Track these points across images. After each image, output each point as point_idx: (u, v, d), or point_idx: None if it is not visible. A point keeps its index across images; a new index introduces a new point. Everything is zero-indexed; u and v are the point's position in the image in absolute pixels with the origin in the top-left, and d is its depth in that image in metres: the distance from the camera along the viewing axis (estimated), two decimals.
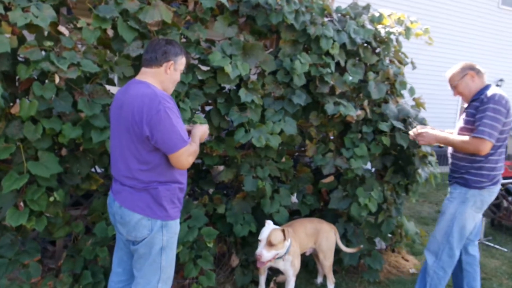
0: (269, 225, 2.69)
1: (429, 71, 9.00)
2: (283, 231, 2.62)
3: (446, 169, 8.20)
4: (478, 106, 2.59)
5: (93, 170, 2.87)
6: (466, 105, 2.77)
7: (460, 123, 2.73)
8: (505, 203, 4.57)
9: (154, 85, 1.94)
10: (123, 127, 1.91)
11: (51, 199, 2.40)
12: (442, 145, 2.81)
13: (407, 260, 3.84)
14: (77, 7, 2.70)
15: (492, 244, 4.40)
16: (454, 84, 2.77)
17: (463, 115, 2.72)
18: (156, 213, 1.95)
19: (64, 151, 2.61)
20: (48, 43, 2.30)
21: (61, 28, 2.39)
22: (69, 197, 2.66)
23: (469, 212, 2.63)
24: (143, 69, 2.00)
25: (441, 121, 8.96)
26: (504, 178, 4.73)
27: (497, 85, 11.12)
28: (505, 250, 4.29)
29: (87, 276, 2.62)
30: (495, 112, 2.49)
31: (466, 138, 2.58)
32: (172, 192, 2.00)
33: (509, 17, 10.94)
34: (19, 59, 2.45)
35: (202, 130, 2.12)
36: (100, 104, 2.44)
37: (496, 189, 2.66)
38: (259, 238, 2.62)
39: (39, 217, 2.42)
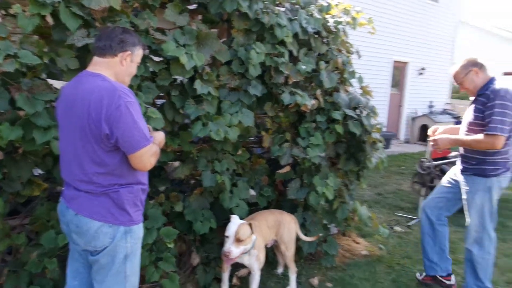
0: (235, 220, 2.62)
1: (366, 59, 9.41)
2: (250, 225, 2.57)
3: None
4: (485, 102, 2.73)
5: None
6: (472, 98, 2.91)
7: (469, 117, 2.87)
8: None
9: (109, 78, 1.76)
10: (76, 125, 1.71)
11: None
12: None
13: (358, 243, 4.00)
14: None
15: None
16: (459, 81, 2.91)
17: (471, 110, 2.86)
18: (118, 219, 1.79)
19: (0, 155, 2.30)
20: None
21: None
22: (8, 206, 2.36)
23: (493, 199, 2.83)
24: (95, 59, 1.80)
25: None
26: (435, 159, 5.10)
27: (420, 74, 11.97)
28: None
29: None
30: (503, 107, 2.65)
31: (479, 137, 2.73)
32: (135, 195, 1.84)
33: (433, 11, 11.76)
34: None
35: (161, 136, 1.97)
36: (43, 100, 2.17)
37: (509, 175, 2.87)
38: (226, 234, 2.54)
39: None
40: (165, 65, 2.68)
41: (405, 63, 11.58)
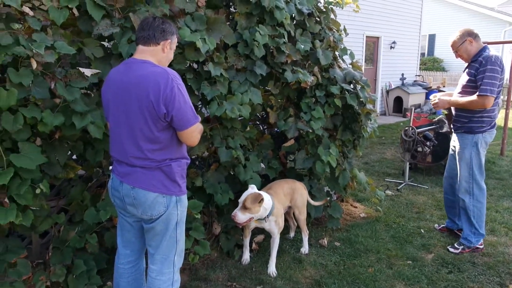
0: (251, 189, 2.87)
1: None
2: (259, 195, 2.80)
3: None
4: (477, 67, 3.10)
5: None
6: (466, 64, 3.29)
7: (463, 80, 3.26)
8: (422, 149, 5.34)
9: (156, 63, 1.95)
10: (132, 108, 1.89)
11: (37, 191, 2.28)
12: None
13: (355, 207, 4.35)
14: None
15: (415, 184, 5.16)
16: (455, 49, 3.26)
17: (465, 75, 3.24)
18: (170, 190, 2.01)
19: (38, 141, 2.45)
20: (16, 26, 2.12)
21: (25, 9, 2.20)
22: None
23: (479, 152, 3.22)
24: (141, 48, 1.98)
25: None
26: (419, 127, 5.50)
27: (391, 47, 12.41)
28: (426, 187, 5.07)
29: (80, 265, 2.56)
30: (493, 72, 3.03)
31: (472, 97, 3.12)
32: (183, 168, 2.07)
33: None
34: None
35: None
36: (78, 88, 2.34)
37: (494, 132, 3.26)
38: (239, 200, 2.80)
39: (24, 211, 2.30)
40: (181, 50, 2.86)
41: (377, 37, 11.97)
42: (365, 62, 11.75)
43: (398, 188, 5.02)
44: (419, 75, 14.31)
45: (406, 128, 5.23)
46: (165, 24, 1.99)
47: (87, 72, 2.42)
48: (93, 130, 2.38)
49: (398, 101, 11.90)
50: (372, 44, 11.98)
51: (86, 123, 2.34)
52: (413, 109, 5.45)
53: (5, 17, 2.21)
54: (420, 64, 19.89)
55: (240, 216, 2.75)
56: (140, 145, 1.92)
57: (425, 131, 5.34)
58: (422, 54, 21.06)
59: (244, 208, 2.75)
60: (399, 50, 12.74)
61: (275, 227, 2.98)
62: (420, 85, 12.78)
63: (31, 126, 2.27)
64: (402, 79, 12.93)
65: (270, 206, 2.90)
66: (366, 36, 11.51)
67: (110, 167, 2.25)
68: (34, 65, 2.11)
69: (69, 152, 2.60)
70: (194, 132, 1.96)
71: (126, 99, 1.91)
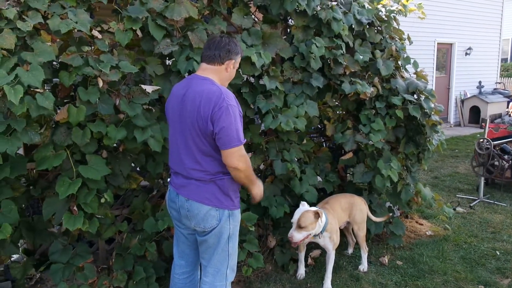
0: (302, 206, 2.82)
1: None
2: (315, 212, 2.74)
3: None
4: None
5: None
6: None
7: None
8: (499, 163, 4.89)
9: (216, 82, 2.00)
10: (187, 121, 1.96)
11: (102, 200, 2.45)
12: None
13: (421, 224, 4.10)
14: (98, 12, 2.72)
15: (492, 201, 4.73)
16: None
17: None
18: (223, 204, 2.03)
19: (104, 153, 2.64)
20: (86, 48, 2.33)
21: (95, 32, 2.41)
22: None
23: None
24: (204, 65, 2.03)
25: None
26: (498, 138, 5.07)
27: (466, 54, 11.62)
28: (505, 205, 4.63)
29: (140, 272, 2.69)
30: None
31: None
32: (236, 183, 2.09)
33: None
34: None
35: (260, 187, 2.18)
36: (139, 104, 2.49)
37: None
38: (292, 220, 2.76)
39: (91, 219, 2.48)
40: None
41: (450, 44, 11.29)
42: (437, 70, 11.12)
43: (471, 205, 4.64)
44: (499, 83, 13.21)
45: (481, 139, 4.84)
46: (231, 44, 2.03)
47: (149, 88, 2.57)
48: (152, 143, 2.52)
49: (475, 111, 11.06)
50: (445, 51, 11.31)
51: (147, 137, 2.49)
52: (488, 120, 5.03)
53: (78, 41, 2.43)
54: (502, 71, 18.34)
55: (297, 236, 2.71)
56: (196, 157, 1.98)
57: (503, 143, 4.89)
58: (505, 60, 19.42)
59: (299, 227, 2.72)
60: (475, 56, 11.88)
61: (329, 243, 2.90)
62: (500, 93, 11.79)
63: (98, 140, 2.46)
64: (480, 87, 12.03)
65: (324, 222, 2.83)
66: (438, 43, 10.90)
67: (168, 179, 2.35)
68: (101, 83, 2.29)
69: (132, 164, 2.76)
70: (233, 154, 1.93)
71: (182, 112, 1.98)
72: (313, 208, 2.78)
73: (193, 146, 1.97)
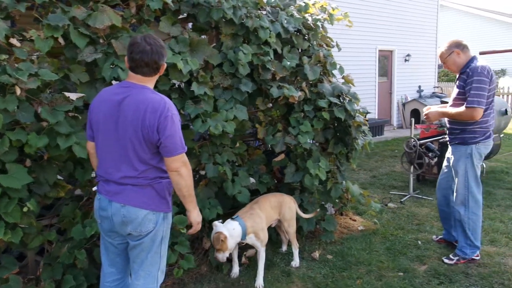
0: (215, 227, 2.92)
1: (351, 51, 9.77)
2: (219, 235, 2.83)
3: (375, 139, 9.01)
4: (465, 79, 3.09)
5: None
6: (457, 75, 3.28)
7: (454, 94, 3.25)
8: (426, 160, 5.25)
9: (152, 89, 2.05)
10: (127, 129, 1.97)
11: (25, 209, 2.43)
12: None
13: (354, 220, 4.32)
14: (19, 20, 2.70)
15: (420, 196, 5.07)
16: (443, 61, 3.27)
17: (455, 87, 3.23)
18: (159, 206, 2.08)
19: (28, 162, 2.62)
20: (3, 56, 2.32)
21: (13, 40, 2.40)
22: (38, 207, 2.68)
23: (474, 164, 3.17)
24: (140, 77, 2.03)
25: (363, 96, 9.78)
26: (423, 138, 5.44)
27: (405, 60, 12.33)
28: (431, 199, 4.98)
29: (69, 280, 2.67)
30: (480, 83, 3.00)
31: (461, 109, 3.10)
32: (171, 186, 2.14)
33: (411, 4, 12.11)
34: None
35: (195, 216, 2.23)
36: (62, 111, 2.50)
37: (489, 142, 3.20)
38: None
39: (14, 229, 2.44)
40: (165, 72, 3.01)
41: (390, 51, 11.93)
42: (379, 75, 11.70)
43: (402, 200, 4.95)
44: (437, 87, 14.10)
45: (409, 139, 5.18)
46: (159, 47, 2.02)
47: (73, 96, 2.59)
48: (78, 150, 2.52)
49: (416, 113, 11.73)
50: (387, 57, 11.94)
51: (71, 144, 2.49)
52: (413, 120, 5.40)
53: None
54: (442, 76, 19.55)
55: (221, 256, 2.87)
56: (135, 166, 2.00)
57: (427, 142, 5.27)
58: (441, 66, 20.70)
59: (217, 250, 2.86)
60: (414, 62, 12.63)
61: (256, 241, 3.03)
62: (438, 96, 12.57)
63: (19, 148, 2.44)
64: (419, 91, 12.77)
65: (239, 233, 2.93)
66: (379, 50, 11.50)
67: (94, 188, 2.33)
68: (18, 91, 2.29)
69: (60, 172, 2.75)
70: (178, 161, 2.01)
71: (121, 121, 1.98)
72: (220, 229, 2.88)
73: (132, 153, 1.99)
